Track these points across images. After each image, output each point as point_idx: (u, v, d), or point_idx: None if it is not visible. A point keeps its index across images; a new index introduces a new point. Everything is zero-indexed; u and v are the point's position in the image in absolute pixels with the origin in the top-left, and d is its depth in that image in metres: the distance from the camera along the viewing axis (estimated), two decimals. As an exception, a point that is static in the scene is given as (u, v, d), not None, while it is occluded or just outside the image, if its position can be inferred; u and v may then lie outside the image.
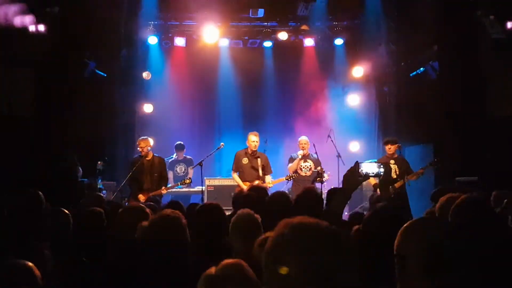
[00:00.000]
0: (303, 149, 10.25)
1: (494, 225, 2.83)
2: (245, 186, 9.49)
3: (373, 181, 9.16)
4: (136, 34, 12.66)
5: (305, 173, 10.27)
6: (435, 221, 2.27)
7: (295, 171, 10.14)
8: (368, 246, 3.46)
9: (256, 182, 9.50)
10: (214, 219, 4.10)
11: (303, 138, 10.43)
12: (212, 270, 2.20)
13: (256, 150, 9.77)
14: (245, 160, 9.79)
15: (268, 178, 9.84)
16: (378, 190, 9.24)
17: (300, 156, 10.16)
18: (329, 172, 10.59)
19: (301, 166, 10.27)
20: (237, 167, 9.86)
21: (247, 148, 9.82)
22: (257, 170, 9.68)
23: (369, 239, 3.41)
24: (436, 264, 2.05)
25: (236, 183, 9.83)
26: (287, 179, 10.10)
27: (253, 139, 9.72)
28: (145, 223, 3.37)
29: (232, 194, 8.68)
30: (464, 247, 2.14)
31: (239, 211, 4.02)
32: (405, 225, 2.24)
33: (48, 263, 3.42)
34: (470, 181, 9.11)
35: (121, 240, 3.72)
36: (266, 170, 9.84)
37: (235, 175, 9.88)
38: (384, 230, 3.11)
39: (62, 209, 4.57)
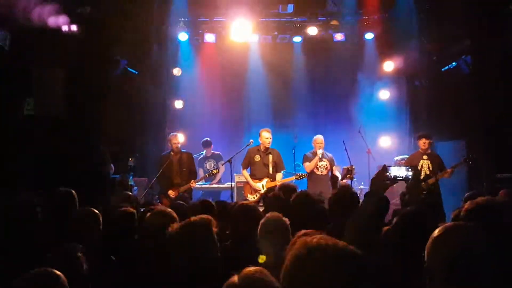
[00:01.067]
0: (320, 148, 10.06)
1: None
2: (254, 184, 9.58)
3: None
4: (167, 31, 12.77)
5: (321, 172, 10.05)
6: (460, 231, 2.23)
7: (311, 170, 10.00)
8: (396, 252, 3.47)
9: (266, 179, 9.55)
10: (250, 221, 4.12)
11: (320, 137, 10.24)
12: (235, 279, 2.17)
13: (269, 147, 9.77)
14: (257, 157, 9.80)
15: (279, 176, 9.81)
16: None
17: (320, 155, 9.98)
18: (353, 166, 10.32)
19: (317, 165, 10.09)
20: (248, 164, 9.89)
21: (259, 145, 9.83)
22: (268, 167, 9.69)
23: (397, 244, 3.41)
24: (461, 278, 2.04)
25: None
26: (297, 178, 9.90)
27: (267, 136, 9.74)
28: (174, 226, 3.41)
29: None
30: (488, 258, 2.12)
31: (268, 215, 4.02)
32: (432, 237, 2.22)
33: (83, 267, 3.47)
34: (508, 177, 8.93)
35: (150, 244, 3.77)
36: (279, 167, 9.83)
37: (245, 172, 9.91)
38: (409, 239, 3.12)
39: (92, 209, 4.63)
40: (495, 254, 2.15)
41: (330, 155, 10.27)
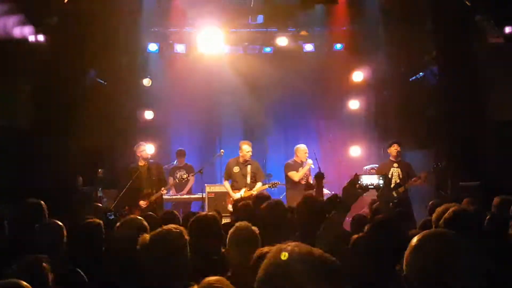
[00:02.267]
0: (307, 158, 10.11)
1: (483, 236, 2.85)
2: (234, 194, 9.65)
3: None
4: (136, 41, 12.68)
5: (304, 181, 10.09)
6: (439, 239, 2.23)
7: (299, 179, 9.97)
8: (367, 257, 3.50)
9: (243, 189, 9.60)
10: (211, 232, 4.09)
11: (305, 146, 10.27)
12: None
13: (248, 159, 9.87)
14: (236, 169, 9.90)
15: (257, 185, 9.89)
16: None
17: (312, 165, 10.00)
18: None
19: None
20: (229, 176, 9.98)
21: (238, 157, 9.88)
22: (246, 178, 9.79)
23: (367, 252, 3.43)
24: (441, 286, 2.05)
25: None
26: (270, 187, 10.03)
27: (247, 149, 9.86)
28: (146, 236, 3.38)
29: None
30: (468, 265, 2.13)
31: (237, 224, 4.01)
32: (411, 245, 2.20)
33: (48, 277, 3.41)
34: (473, 186, 9.08)
35: (119, 254, 3.72)
36: (257, 177, 9.93)
37: (226, 183, 10.02)
38: (379, 247, 3.14)
39: (55, 221, 4.55)
40: (475, 261, 2.16)
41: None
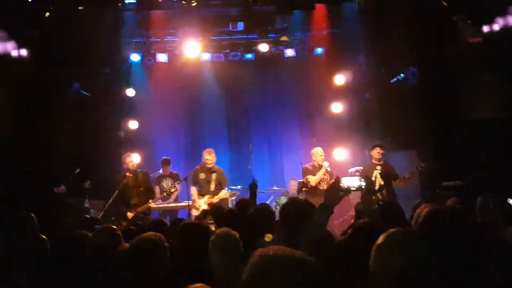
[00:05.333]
0: (324, 160, 10.00)
1: (459, 237, 2.91)
2: (197, 200, 9.87)
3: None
4: (118, 52, 12.71)
5: (323, 186, 9.83)
6: (403, 238, 2.29)
7: (316, 183, 9.86)
8: (347, 260, 3.57)
9: (207, 196, 9.72)
10: (197, 240, 4.13)
11: (321, 149, 10.15)
12: None
13: (211, 167, 9.98)
14: (202, 175, 10.02)
15: (222, 192, 10.01)
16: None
17: (328, 168, 9.96)
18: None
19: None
20: (195, 182, 10.07)
21: (204, 164, 9.97)
22: (210, 184, 9.92)
23: (348, 255, 3.50)
24: (405, 283, 2.12)
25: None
26: (232, 196, 10.40)
27: (206, 157, 9.99)
28: (125, 245, 3.42)
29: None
30: (433, 265, 2.20)
31: (218, 231, 4.07)
32: (377, 243, 2.28)
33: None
34: (455, 185, 9.18)
35: (94, 263, 3.75)
36: (222, 183, 10.05)
37: (193, 189, 10.06)
38: (361, 251, 3.21)
39: (40, 235, 4.54)
40: (440, 261, 2.22)
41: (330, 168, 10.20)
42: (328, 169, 9.98)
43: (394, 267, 2.15)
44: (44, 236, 4.49)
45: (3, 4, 8.30)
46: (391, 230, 2.33)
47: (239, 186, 11.31)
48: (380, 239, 2.28)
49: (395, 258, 2.16)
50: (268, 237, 3.94)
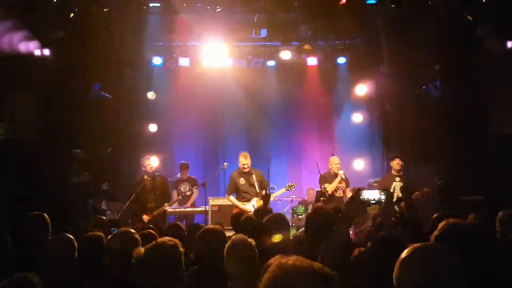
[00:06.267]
0: (339, 168, 10.13)
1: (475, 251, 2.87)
2: (243, 206, 9.57)
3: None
4: (141, 55, 12.76)
5: (339, 194, 10.11)
6: (428, 252, 2.27)
7: (332, 191, 9.99)
8: (367, 272, 3.52)
9: (255, 199, 9.57)
10: (214, 246, 4.10)
11: (337, 158, 10.32)
12: None
13: (247, 170, 9.86)
14: (242, 180, 9.88)
15: (277, 192, 10.01)
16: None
17: (343, 176, 10.09)
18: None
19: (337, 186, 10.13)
20: (233, 190, 9.94)
21: (239, 169, 9.90)
22: (254, 186, 9.75)
23: (370, 267, 3.45)
24: None
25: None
26: (288, 189, 10.27)
27: (242, 162, 9.86)
28: (141, 249, 3.40)
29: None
30: (459, 280, 2.16)
31: (233, 237, 4.03)
32: (401, 257, 2.26)
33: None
34: (475, 200, 9.06)
35: (112, 267, 3.73)
36: (263, 184, 9.87)
37: (231, 197, 9.95)
38: (381, 263, 3.15)
39: (67, 234, 4.54)
40: (463, 276, 2.19)
41: (345, 176, 10.31)
42: (343, 176, 10.12)
43: (420, 281, 2.14)
44: (71, 236, 4.48)
45: (28, 4, 8.39)
46: (416, 244, 2.31)
47: (292, 196, 11.37)
48: (404, 253, 2.26)
49: (421, 272, 2.15)
50: (278, 237, 3.88)
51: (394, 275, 2.23)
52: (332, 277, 1.78)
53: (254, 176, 9.85)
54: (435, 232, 3.89)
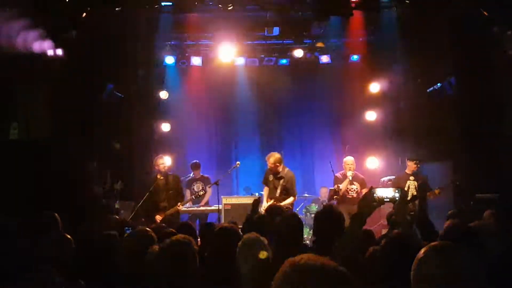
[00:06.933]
0: (350, 170, 9.98)
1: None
2: (265, 203, 9.47)
3: None
4: (153, 54, 12.80)
5: (352, 195, 9.96)
6: (445, 251, 2.24)
7: (342, 193, 9.90)
8: (381, 271, 3.48)
9: (270, 201, 9.47)
10: (228, 244, 4.07)
11: (350, 159, 10.15)
12: None
13: (278, 171, 9.54)
14: (270, 177, 9.67)
15: (288, 200, 9.47)
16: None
17: (351, 178, 9.94)
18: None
19: (347, 188, 9.99)
20: (265, 181, 9.76)
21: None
22: (276, 190, 9.59)
23: (384, 265, 3.41)
24: None
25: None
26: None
27: (271, 162, 9.51)
28: (155, 247, 3.39)
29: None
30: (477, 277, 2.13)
31: (245, 235, 4.00)
32: (418, 256, 2.26)
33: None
34: (490, 198, 8.97)
35: (127, 265, 3.72)
36: (288, 192, 9.52)
37: (265, 188, 9.79)
38: (395, 262, 3.12)
39: (64, 234, 4.54)
40: (481, 274, 2.17)
41: (361, 177, 10.19)
42: (350, 178, 9.93)
43: (438, 280, 2.14)
44: (68, 236, 4.48)
45: (41, 3, 8.42)
46: (432, 243, 2.32)
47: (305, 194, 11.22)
48: (421, 252, 2.26)
49: (439, 271, 2.15)
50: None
51: (411, 274, 2.23)
52: (346, 275, 1.75)
53: (281, 181, 9.48)
54: (440, 232, 3.88)
